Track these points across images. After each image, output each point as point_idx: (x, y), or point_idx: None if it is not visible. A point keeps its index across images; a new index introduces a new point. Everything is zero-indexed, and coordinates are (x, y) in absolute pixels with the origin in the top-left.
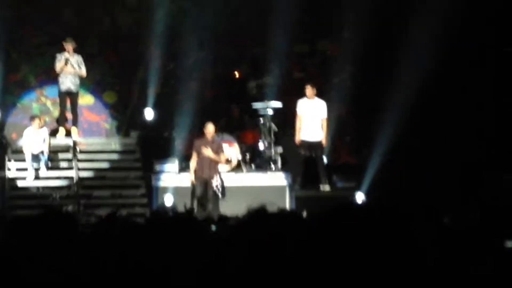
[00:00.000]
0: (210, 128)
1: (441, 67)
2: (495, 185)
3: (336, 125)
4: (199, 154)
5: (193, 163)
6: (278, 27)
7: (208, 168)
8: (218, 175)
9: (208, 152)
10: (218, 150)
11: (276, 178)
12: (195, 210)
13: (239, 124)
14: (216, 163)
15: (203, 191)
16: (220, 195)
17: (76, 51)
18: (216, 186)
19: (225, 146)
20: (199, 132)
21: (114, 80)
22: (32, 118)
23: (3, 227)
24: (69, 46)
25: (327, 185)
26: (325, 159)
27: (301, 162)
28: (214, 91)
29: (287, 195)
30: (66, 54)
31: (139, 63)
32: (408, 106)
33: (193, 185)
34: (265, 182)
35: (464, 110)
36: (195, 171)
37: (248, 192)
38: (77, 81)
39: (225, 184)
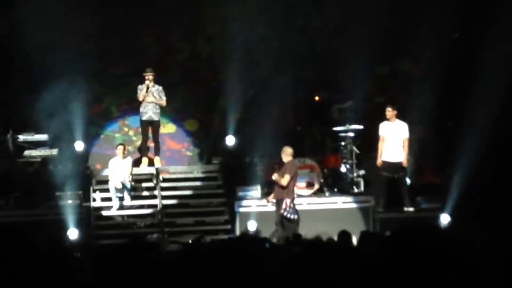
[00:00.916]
0: (283, 151)
1: None
2: None
3: (419, 145)
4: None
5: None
6: (358, 49)
7: (276, 191)
8: (288, 198)
9: (274, 175)
10: (283, 173)
11: (359, 201)
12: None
13: (321, 148)
14: (281, 185)
15: (275, 214)
16: (289, 217)
17: (157, 81)
18: (285, 209)
19: (306, 171)
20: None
21: (195, 108)
22: (117, 146)
23: (90, 257)
24: (149, 76)
25: (410, 207)
26: (408, 180)
27: (384, 184)
28: (295, 116)
29: (369, 217)
30: (147, 84)
31: (219, 91)
32: (491, 125)
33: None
34: (348, 205)
35: None
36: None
37: (332, 215)
38: (158, 110)
39: (297, 207)
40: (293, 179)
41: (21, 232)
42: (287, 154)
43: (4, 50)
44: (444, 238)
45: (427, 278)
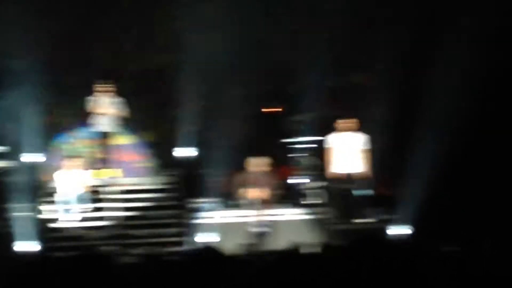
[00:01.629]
0: (254, 163)
1: (483, 94)
2: None
3: (373, 157)
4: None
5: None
6: (311, 62)
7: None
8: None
9: (251, 191)
10: (261, 185)
11: (311, 213)
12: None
13: (274, 160)
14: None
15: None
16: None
17: (111, 92)
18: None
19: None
20: (237, 168)
21: (150, 120)
22: (67, 158)
23: (43, 269)
24: (100, 87)
25: (362, 218)
26: (365, 192)
27: (336, 195)
28: (249, 128)
29: (321, 229)
30: (97, 96)
31: (173, 102)
32: (447, 136)
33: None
34: (300, 217)
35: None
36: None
37: (286, 227)
38: (112, 121)
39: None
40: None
41: None
42: (260, 165)
43: None
44: (394, 250)
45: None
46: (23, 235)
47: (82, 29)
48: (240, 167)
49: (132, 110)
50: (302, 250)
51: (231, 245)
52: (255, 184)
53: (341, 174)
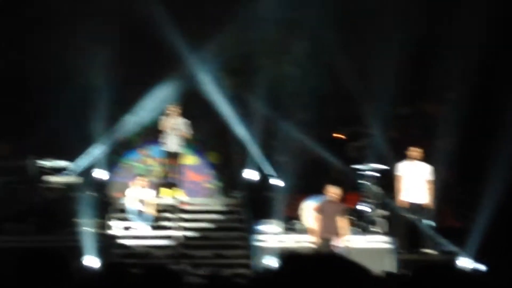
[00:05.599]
0: (333, 190)
1: None
2: None
3: (440, 188)
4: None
5: (315, 223)
6: (379, 90)
7: (335, 229)
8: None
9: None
10: (340, 213)
11: (379, 241)
12: None
13: (341, 186)
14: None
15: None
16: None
17: (180, 113)
18: (339, 246)
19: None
20: (302, 193)
21: (217, 141)
22: (137, 176)
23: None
24: (173, 108)
25: (431, 249)
26: (430, 222)
27: (404, 224)
28: (316, 153)
29: (390, 257)
30: (170, 116)
31: (242, 124)
32: None
33: (317, 247)
34: (368, 245)
35: None
36: (318, 232)
37: (352, 255)
38: (181, 142)
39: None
40: None
41: (58, 258)
42: (334, 192)
43: (22, 75)
44: (463, 281)
45: None
46: (91, 249)
47: (153, 53)
48: (307, 191)
49: (202, 131)
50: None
51: None
52: (328, 211)
53: (409, 202)
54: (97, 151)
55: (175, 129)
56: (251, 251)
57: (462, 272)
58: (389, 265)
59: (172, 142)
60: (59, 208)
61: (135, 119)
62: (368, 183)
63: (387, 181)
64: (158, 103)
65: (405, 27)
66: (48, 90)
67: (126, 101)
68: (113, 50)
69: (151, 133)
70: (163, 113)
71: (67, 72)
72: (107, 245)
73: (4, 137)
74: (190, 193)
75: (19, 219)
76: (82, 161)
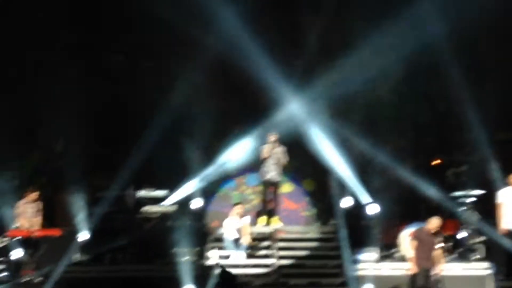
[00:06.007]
0: (434, 221)
1: None
2: None
3: None
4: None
5: (413, 252)
6: (479, 115)
7: (431, 258)
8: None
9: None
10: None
11: (479, 268)
12: None
13: (438, 213)
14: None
15: (425, 281)
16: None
17: (276, 141)
18: (436, 274)
19: None
20: (400, 220)
21: (313, 168)
22: (235, 205)
23: None
24: (272, 137)
25: None
26: None
27: (505, 251)
28: (414, 179)
29: (490, 285)
30: (270, 144)
31: (335, 152)
32: None
33: (414, 275)
34: (467, 272)
35: None
36: (415, 260)
37: (451, 282)
38: (279, 170)
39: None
40: None
41: None
42: (433, 224)
43: (124, 108)
44: None
45: None
46: (188, 279)
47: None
48: (405, 219)
49: (298, 159)
50: None
51: None
52: (425, 240)
53: (509, 230)
54: (194, 181)
55: (275, 157)
56: (347, 280)
57: None
58: None
59: (271, 170)
60: (156, 238)
61: (233, 156)
62: (466, 209)
63: (485, 206)
64: (255, 139)
65: (504, 53)
66: (147, 120)
67: (224, 133)
68: (214, 83)
69: (250, 164)
70: (265, 142)
71: (168, 101)
72: (204, 274)
73: (104, 168)
74: (286, 221)
75: (118, 249)
76: (180, 191)
